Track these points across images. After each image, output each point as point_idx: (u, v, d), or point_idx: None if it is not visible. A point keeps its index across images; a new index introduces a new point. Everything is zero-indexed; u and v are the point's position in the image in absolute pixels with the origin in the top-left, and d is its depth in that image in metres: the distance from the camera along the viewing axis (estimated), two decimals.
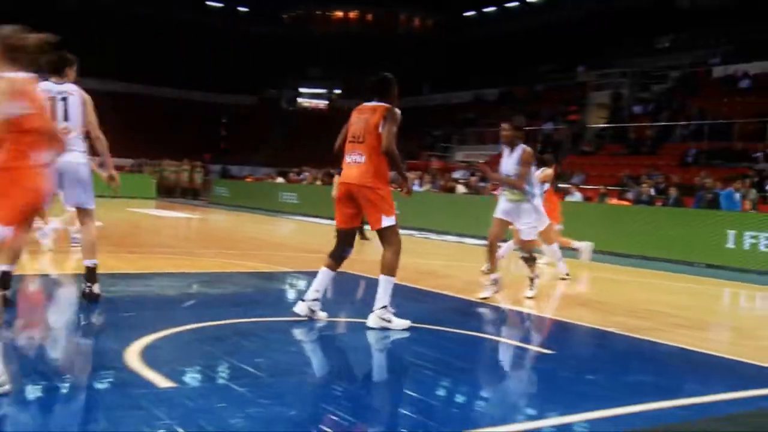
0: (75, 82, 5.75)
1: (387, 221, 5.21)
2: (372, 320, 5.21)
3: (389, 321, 5.20)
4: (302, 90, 47.17)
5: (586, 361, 4.96)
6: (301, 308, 5.41)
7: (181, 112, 39.10)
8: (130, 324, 5.12)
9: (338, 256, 5.47)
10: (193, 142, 36.31)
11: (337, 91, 46.80)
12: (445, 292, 7.33)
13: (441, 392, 3.99)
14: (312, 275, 8.51)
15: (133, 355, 4.06)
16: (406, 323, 5.24)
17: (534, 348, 5.15)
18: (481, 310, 6.54)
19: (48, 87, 5.43)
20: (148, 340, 4.46)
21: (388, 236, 5.29)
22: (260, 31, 44.16)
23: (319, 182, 24.68)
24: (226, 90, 42.58)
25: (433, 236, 15.46)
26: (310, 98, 47.56)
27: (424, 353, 4.97)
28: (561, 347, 5.41)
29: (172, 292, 6.65)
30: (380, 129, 5.18)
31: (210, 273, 8.00)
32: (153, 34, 40.47)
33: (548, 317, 6.60)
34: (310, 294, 5.42)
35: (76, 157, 5.47)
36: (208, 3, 45.65)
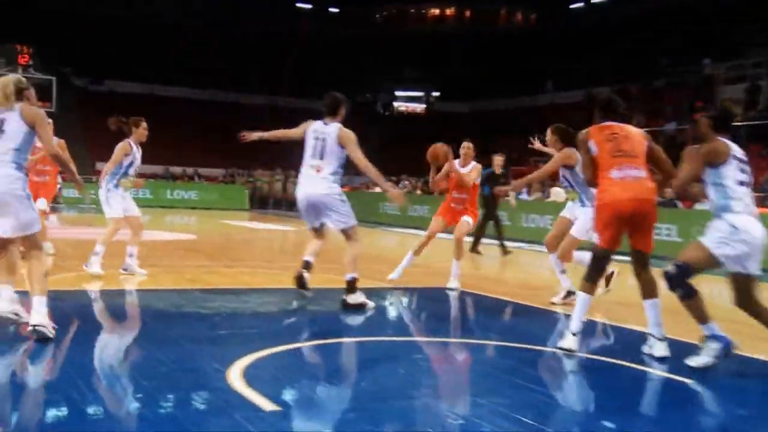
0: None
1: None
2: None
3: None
4: (398, 93, 47.45)
5: (733, 394, 4.66)
6: (570, 342, 5.17)
7: (272, 119, 40.04)
8: (231, 342, 5.22)
9: (598, 279, 5.32)
10: (285, 150, 37.11)
11: (435, 94, 46.84)
12: (561, 312, 7.12)
13: (575, 425, 3.84)
14: (413, 291, 8.50)
15: (235, 376, 4.12)
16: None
17: (668, 375, 4.89)
18: (596, 330, 6.30)
19: (315, 127, 6.77)
20: (250, 359, 4.53)
21: (648, 260, 5.23)
22: (352, 33, 44.79)
23: (419, 192, 24.70)
24: (318, 95, 43.43)
25: (543, 248, 15.10)
26: (407, 102, 47.80)
27: (542, 378, 4.82)
28: (699, 375, 5.13)
29: (272, 308, 6.76)
30: (653, 150, 5.34)
31: (309, 288, 8.08)
32: (241, 40, 41.77)
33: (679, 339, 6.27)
34: (578, 325, 5.19)
35: (325, 189, 6.62)
36: (298, 5, 46.65)
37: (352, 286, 6.61)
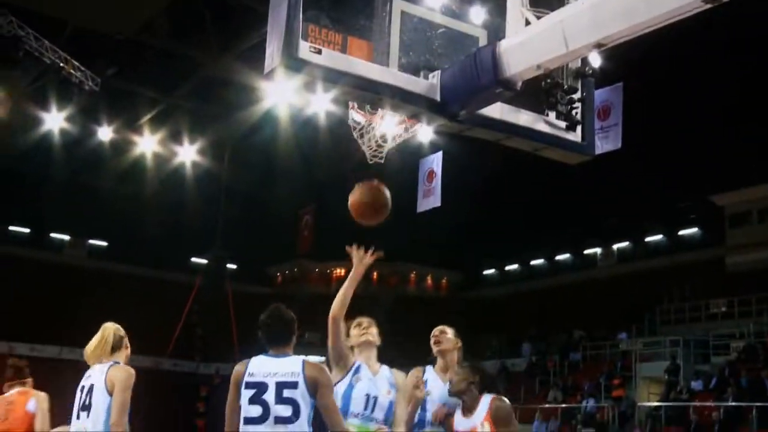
0: None
1: None
2: None
3: None
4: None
5: None
6: None
7: (155, 382, 38.64)
8: None
9: None
10: (168, 416, 35.43)
11: None
12: None
13: None
14: None
15: None
16: None
17: None
18: None
19: None
20: None
21: None
22: (248, 291, 45.21)
23: None
24: (208, 357, 42.55)
25: None
26: None
27: None
28: None
29: None
30: None
31: None
32: (126, 290, 41.40)
33: None
34: None
35: None
36: (193, 261, 47.34)
37: None
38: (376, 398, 5.26)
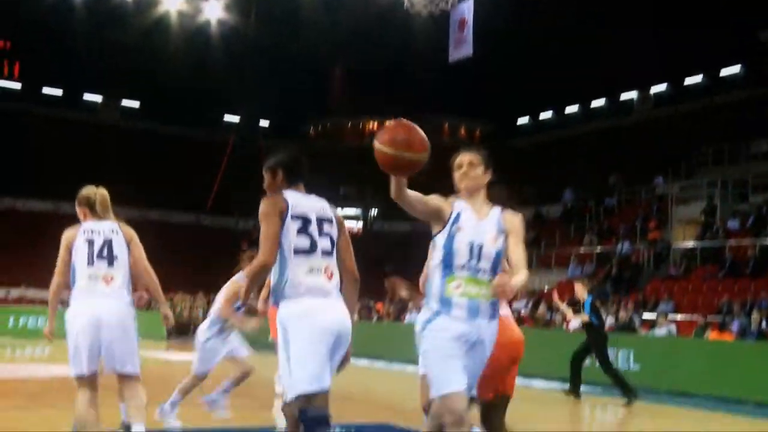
0: None
1: None
2: None
3: None
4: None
5: None
6: None
7: (195, 238, 39.75)
8: None
9: None
10: (209, 272, 36.59)
11: (374, 213, 47.41)
12: None
13: None
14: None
15: None
16: None
17: None
18: None
19: None
20: None
21: None
22: (283, 147, 45.48)
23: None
24: (246, 213, 43.46)
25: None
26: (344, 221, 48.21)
27: None
28: None
29: None
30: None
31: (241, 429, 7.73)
32: (160, 150, 41.94)
33: None
34: None
35: None
36: (225, 120, 47.59)
37: None
38: (481, 246, 4.56)
